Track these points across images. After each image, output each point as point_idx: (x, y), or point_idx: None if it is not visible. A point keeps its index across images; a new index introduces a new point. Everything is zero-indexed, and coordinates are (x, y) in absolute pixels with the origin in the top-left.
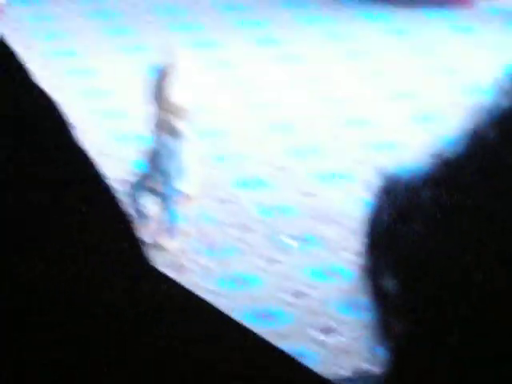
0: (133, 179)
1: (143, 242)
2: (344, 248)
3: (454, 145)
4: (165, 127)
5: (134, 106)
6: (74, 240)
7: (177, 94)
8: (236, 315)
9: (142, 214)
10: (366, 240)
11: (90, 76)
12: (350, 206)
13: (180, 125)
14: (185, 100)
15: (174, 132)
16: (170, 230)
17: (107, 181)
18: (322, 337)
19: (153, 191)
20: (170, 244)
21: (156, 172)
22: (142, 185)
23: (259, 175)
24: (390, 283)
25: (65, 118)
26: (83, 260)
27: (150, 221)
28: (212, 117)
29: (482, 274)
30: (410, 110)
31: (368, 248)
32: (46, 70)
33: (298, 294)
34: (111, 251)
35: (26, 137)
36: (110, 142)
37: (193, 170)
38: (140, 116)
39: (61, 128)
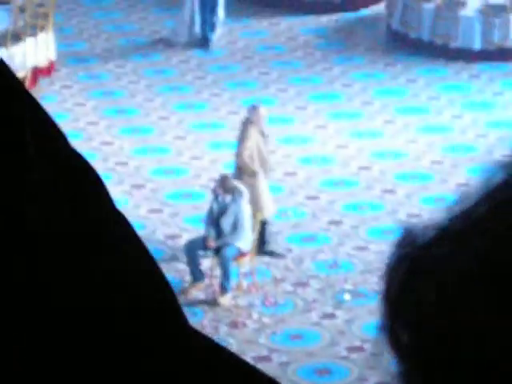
0: (189, 236)
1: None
2: None
3: (476, 198)
4: (224, 185)
5: (189, 163)
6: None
7: (250, 149)
8: (291, 371)
9: (197, 271)
10: (382, 294)
11: (144, 133)
12: None
13: (238, 183)
14: (264, 155)
15: (232, 190)
16: (225, 286)
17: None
18: None
19: (209, 248)
20: (225, 300)
21: (212, 229)
22: (199, 242)
23: (313, 230)
24: (407, 338)
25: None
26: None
27: (205, 277)
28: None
29: (498, 333)
30: (466, 163)
31: (384, 302)
32: (99, 128)
33: (353, 349)
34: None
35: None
36: (166, 198)
37: (248, 226)
38: (195, 173)
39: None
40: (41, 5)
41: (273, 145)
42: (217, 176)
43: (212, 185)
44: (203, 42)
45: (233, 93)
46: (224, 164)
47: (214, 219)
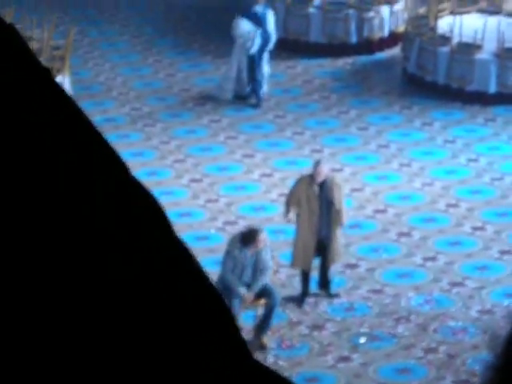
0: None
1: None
2: (413, 345)
3: None
4: (250, 239)
5: (204, 206)
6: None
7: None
8: None
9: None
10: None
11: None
12: (419, 303)
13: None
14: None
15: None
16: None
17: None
18: None
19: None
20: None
21: (240, 285)
22: (235, 305)
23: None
24: None
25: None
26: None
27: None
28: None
29: None
30: (481, 206)
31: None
32: None
33: None
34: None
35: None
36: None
37: (268, 270)
38: (211, 216)
39: None
40: (57, 48)
41: (286, 187)
42: (232, 218)
43: (227, 228)
44: (250, 98)
45: (248, 136)
46: (239, 207)
47: (239, 274)
